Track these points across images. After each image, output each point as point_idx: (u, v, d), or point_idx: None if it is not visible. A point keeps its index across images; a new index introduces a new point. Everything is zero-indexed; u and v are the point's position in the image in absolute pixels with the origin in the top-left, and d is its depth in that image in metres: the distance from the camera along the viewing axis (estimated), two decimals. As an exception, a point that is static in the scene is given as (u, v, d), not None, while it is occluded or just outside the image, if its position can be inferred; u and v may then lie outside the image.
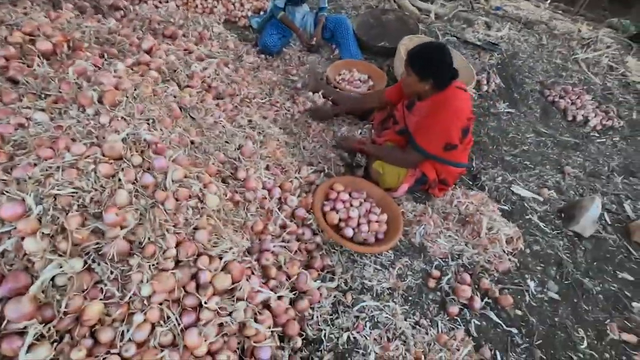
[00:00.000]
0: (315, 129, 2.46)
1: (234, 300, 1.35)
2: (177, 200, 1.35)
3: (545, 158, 2.85)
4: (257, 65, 2.68)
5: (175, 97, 1.70)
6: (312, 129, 2.47)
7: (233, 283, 1.36)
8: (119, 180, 1.24)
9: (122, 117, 1.36)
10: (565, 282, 1.96)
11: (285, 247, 1.68)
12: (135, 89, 1.53)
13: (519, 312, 1.76)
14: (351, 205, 1.95)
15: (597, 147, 3.11)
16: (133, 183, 1.26)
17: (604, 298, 1.93)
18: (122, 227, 1.20)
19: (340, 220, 1.89)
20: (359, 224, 1.88)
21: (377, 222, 1.91)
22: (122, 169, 1.27)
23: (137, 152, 1.30)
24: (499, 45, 3.74)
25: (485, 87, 3.30)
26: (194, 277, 1.31)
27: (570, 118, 3.32)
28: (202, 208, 1.42)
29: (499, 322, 1.70)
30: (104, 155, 1.28)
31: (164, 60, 1.92)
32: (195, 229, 1.37)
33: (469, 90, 2.98)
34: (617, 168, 2.89)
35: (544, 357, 1.61)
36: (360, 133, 2.50)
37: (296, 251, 1.74)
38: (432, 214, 2.07)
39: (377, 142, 2.31)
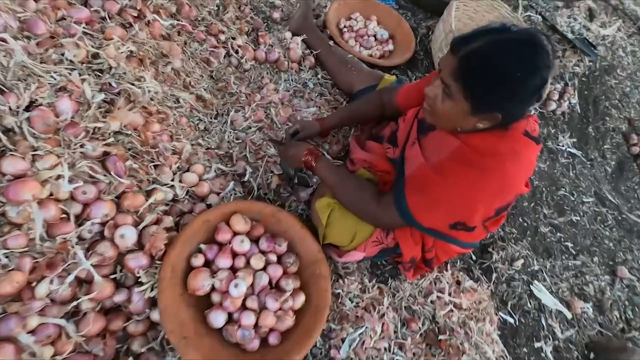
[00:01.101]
0: (266, 96, 1.50)
1: None
2: None
3: (597, 242, 1.89)
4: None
5: None
6: (261, 93, 1.51)
7: None
8: None
9: None
10: None
11: (63, 327, 0.85)
12: None
13: None
14: (248, 263, 1.08)
15: (672, 244, 2.13)
16: None
17: None
18: None
19: (213, 288, 1.03)
20: (243, 308, 1.03)
21: (278, 311, 1.05)
22: None
23: None
24: (596, 49, 2.56)
25: (554, 106, 2.22)
26: None
27: (651, 187, 2.29)
28: None
29: None
30: None
31: None
32: None
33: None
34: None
35: None
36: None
37: (99, 335, 0.91)
38: (387, 311, 1.20)
39: (351, 156, 1.34)
